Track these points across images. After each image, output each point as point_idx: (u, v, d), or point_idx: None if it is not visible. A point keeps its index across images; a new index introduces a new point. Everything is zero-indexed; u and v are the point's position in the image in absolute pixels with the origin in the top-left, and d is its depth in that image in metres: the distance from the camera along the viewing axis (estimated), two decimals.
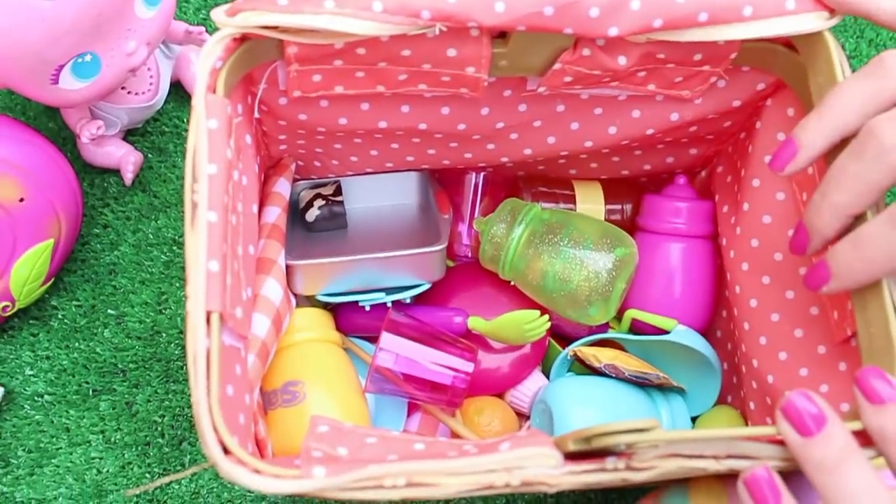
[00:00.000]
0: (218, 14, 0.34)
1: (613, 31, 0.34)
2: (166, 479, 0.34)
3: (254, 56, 0.36)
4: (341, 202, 0.48)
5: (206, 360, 0.29)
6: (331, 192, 0.48)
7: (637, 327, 0.48)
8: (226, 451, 0.29)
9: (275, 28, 0.34)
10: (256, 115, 0.40)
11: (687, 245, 0.48)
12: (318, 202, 0.48)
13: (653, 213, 0.48)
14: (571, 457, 0.31)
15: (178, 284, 0.52)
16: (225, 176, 0.33)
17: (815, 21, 0.35)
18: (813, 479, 0.29)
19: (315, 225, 0.48)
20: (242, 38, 0.35)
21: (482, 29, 0.35)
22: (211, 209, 0.32)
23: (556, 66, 0.37)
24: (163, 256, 0.53)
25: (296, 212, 0.49)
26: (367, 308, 0.47)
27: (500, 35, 0.36)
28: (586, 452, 0.30)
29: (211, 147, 0.33)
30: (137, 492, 0.46)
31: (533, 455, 0.29)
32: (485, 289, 0.49)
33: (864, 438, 0.31)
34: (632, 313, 0.47)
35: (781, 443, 0.30)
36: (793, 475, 0.39)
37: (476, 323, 0.47)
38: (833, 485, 0.29)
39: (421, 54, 0.37)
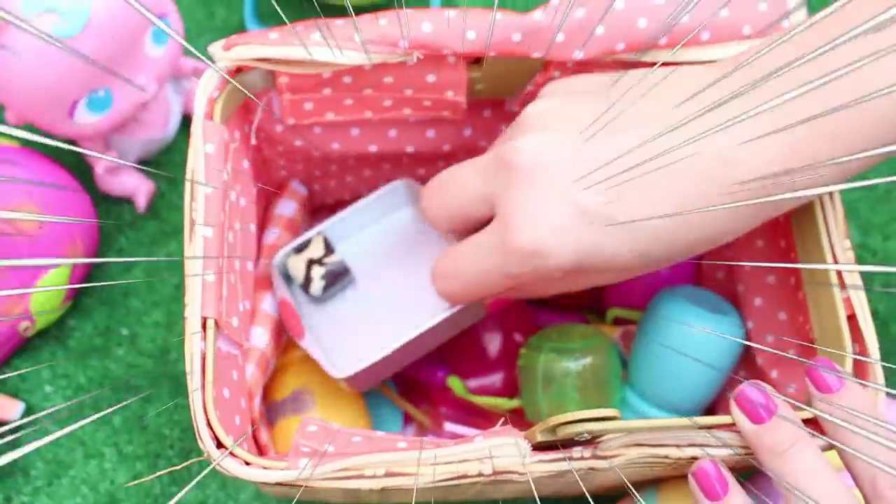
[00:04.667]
0: (214, 48, 0.38)
1: (579, 55, 0.37)
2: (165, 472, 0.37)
3: (248, 86, 0.39)
4: (340, 261, 0.45)
5: (201, 361, 0.32)
6: (321, 252, 0.45)
7: (620, 322, 0.50)
8: (219, 445, 0.32)
9: (267, 60, 0.38)
10: (254, 141, 0.43)
11: None
12: (316, 270, 0.45)
13: None
14: (542, 448, 0.33)
15: None
16: (221, 196, 0.36)
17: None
18: (765, 463, 0.31)
19: (324, 297, 0.45)
20: (237, 70, 0.38)
21: (457, 55, 0.38)
22: (207, 225, 0.35)
23: (529, 87, 0.40)
24: (173, 280, 0.56)
25: (289, 284, 0.46)
26: None
27: (476, 60, 0.39)
28: (555, 443, 0.33)
29: (207, 169, 0.36)
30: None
31: (502, 444, 0.32)
32: (475, 339, 0.49)
33: (817, 427, 0.33)
34: (615, 312, 0.49)
35: (738, 431, 0.33)
36: (761, 476, 0.41)
37: (455, 386, 0.47)
38: (783, 467, 0.31)
39: (402, 81, 0.39)
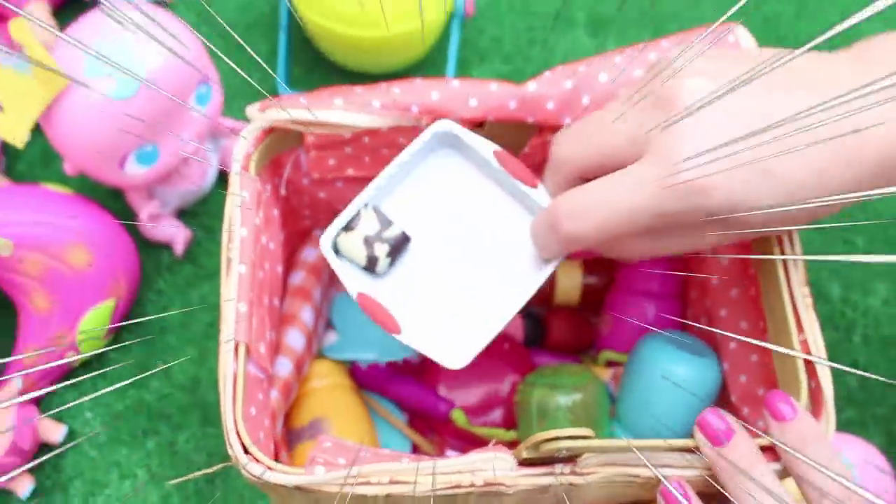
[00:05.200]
0: (251, 110, 0.43)
1: (567, 121, 0.42)
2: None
3: (280, 144, 0.45)
4: (401, 232, 0.42)
5: (233, 380, 0.37)
6: (377, 226, 0.41)
7: (611, 364, 0.55)
8: (246, 452, 0.36)
9: (297, 121, 0.43)
10: (283, 192, 0.49)
11: (659, 303, 0.54)
12: (380, 248, 0.41)
13: (629, 273, 0.55)
14: (528, 464, 0.37)
15: (217, 343, 0.60)
16: (254, 238, 0.41)
17: None
18: (724, 483, 0.36)
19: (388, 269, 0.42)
20: (271, 129, 0.44)
21: (461, 120, 0.43)
22: (241, 263, 0.40)
23: (526, 149, 0.45)
24: (206, 318, 0.61)
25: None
26: (364, 367, 0.54)
27: (479, 124, 0.45)
28: (539, 460, 0.37)
29: (243, 214, 0.41)
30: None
31: (490, 458, 0.36)
32: (477, 364, 0.53)
33: (773, 454, 0.37)
34: (606, 355, 0.54)
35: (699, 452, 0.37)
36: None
37: (459, 419, 0.51)
38: (739, 487, 0.35)
39: None
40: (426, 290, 0.42)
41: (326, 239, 0.41)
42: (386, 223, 0.41)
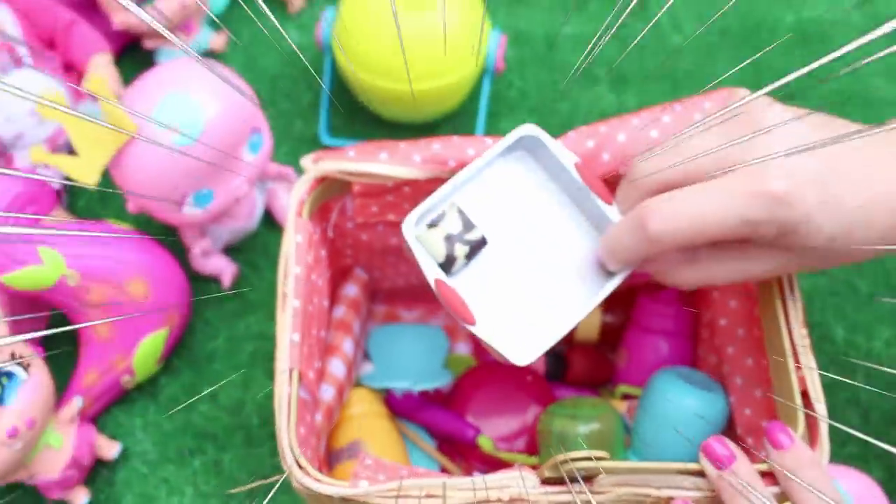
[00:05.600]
0: (306, 161, 0.49)
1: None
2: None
3: (329, 191, 0.50)
4: (482, 236, 0.43)
5: (287, 402, 0.42)
6: (459, 227, 0.42)
7: (627, 397, 0.59)
8: (298, 466, 0.41)
9: (345, 172, 0.48)
10: (330, 234, 0.54)
11: (672, 340, 0.58)
12: (459, 248, 0.42)
13: (645, 313, 0.60)
14: (550, 483, 0.42)
15: (260, 370, 0.65)
16: (306, 276, 0.46)
17: None
18: (722, 498, 0.40)
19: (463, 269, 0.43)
20: (322, 179, 0.49)
21: None
22: (295, 298, 0.45)
23: None
24: (250, 347, 0.66)
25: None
26: (399, 395, 0.58)
27: None
28: (560, 479, 0.41)
29: (297, 254, 0.46)
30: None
31: (515, 476, 0.40)
32: (503, 395, 0.58)
33: (772, 479, 0.41)
34: (623, 389, 0.58)
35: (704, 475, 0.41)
36: None
37: (485, 444, 0.55)
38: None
39: None
40: (495, 288, 0.43)
41: (409, 225, 0.42)
42: (469, 225, 0.42)
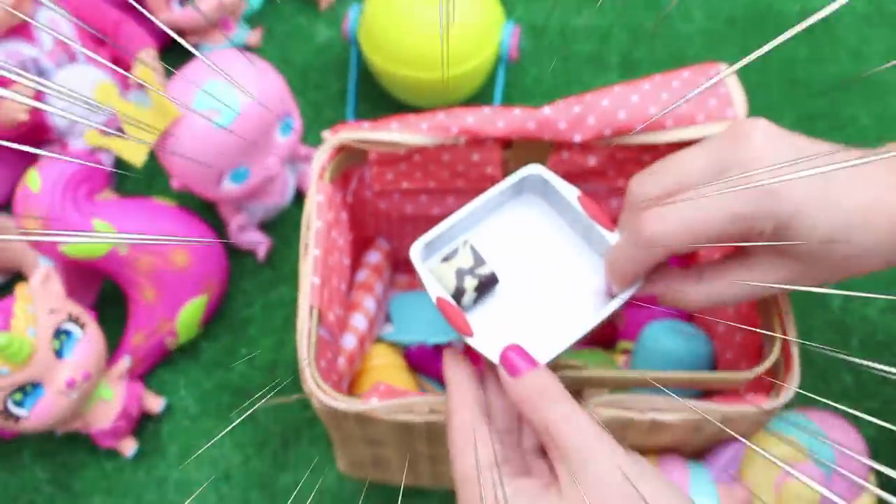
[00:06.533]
0: (326, 133, 0.55)
1: (578, 138, 0.52)
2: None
3: (347, 160, 0.56)
4: (492, 272, 0.44)
5: (307, 334, 0.47)
6: (471, 262, 0.44)
7: (626, 353, 0.63)
8: (317, 385, 0.47)
9: (360, 140, 0.54)
10: (349, 199, 0.60)
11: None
12: (468, 281, 0.44)
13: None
14: None
15: (291, 334, 0.71)
16: (326, 230, 0.52)
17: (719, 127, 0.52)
18: (525, 414, 0.38)
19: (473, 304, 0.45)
20: (341, 148, 0.55)
21: (492, 139, 0.54)
22: (316, 247, 0.51)
23: (548, 165, 0.55)
24: (282, 314, 0.72)
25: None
26: (414, 348, 0.63)
27: (507, 144, 0.55)
28: None
29: (318, 211, 0.52)
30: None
31: None
32: None
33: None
34: (622, 345, 0.62)
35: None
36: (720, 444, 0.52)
37: None
38: (535, 415, 0.38)
39: (455, 158, 0.55)
40: (497, 310, 0.45)
41: (416, 250, 0.45)
42: (480, 261, 0.44)
